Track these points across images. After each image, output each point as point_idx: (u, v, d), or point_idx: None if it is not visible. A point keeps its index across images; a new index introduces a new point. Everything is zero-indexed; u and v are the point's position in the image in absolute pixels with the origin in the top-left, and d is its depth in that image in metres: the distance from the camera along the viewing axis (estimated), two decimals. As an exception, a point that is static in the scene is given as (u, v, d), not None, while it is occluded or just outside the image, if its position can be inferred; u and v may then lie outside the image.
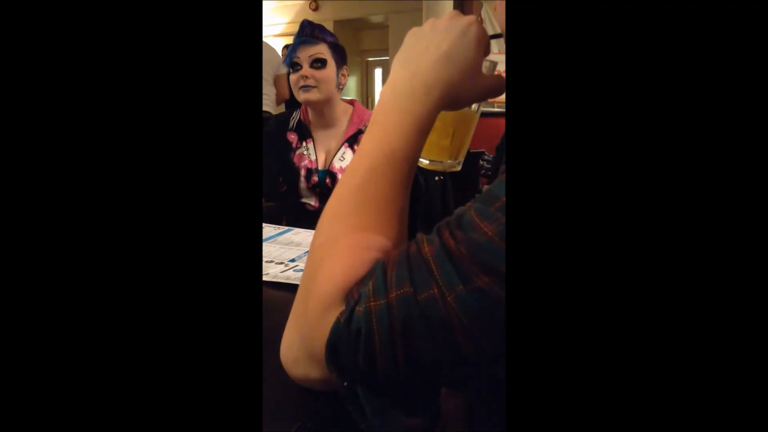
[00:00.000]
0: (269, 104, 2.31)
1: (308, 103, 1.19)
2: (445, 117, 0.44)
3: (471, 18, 0.39)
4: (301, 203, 1.24)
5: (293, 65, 1.16)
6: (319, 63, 1.14)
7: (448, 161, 0.48)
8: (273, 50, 2.39)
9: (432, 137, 0.38)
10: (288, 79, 1.27)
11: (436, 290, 0.28)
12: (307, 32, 1.14)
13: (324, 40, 1.15)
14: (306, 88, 1.15)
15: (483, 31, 0.39)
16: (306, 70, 1.14)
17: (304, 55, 1.14)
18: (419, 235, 0.32)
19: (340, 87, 1.20)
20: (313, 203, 1.23)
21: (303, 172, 1.21)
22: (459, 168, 0.49)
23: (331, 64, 1.16)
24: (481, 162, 1.53)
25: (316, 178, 1.21)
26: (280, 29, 5.28)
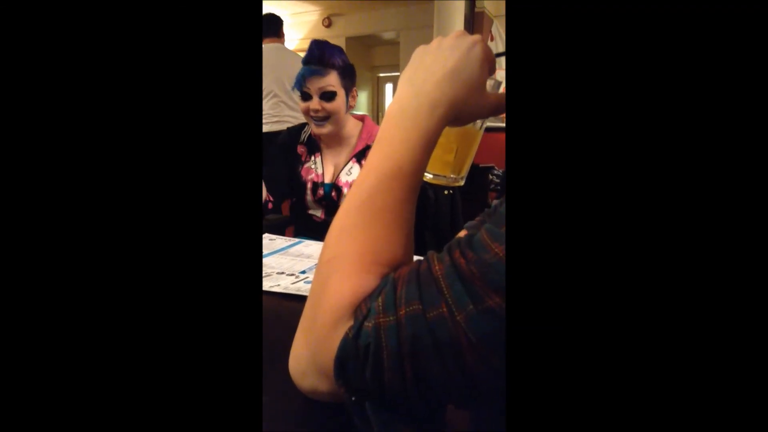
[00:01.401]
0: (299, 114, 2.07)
1: (321, 135, 1.19)
2: (449, 133, 0.44)
3: (476, 37, 0.40)
4: (308, 215, 1.25)
5: (303, 94, 1.15)
6: (329, 95, 1.13)
7: (452, 176, 0.49)
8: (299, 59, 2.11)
9: (436, 152, 0.39)
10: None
11: (445, 309, 0.28)
12: (315, 58, 1.12)
13: (333, 66, 1.13)
14: (318, 122, 1.15)
15: (488, 49, 0.40)
16: (316, 102, 1.13)
17: (314, 86, 1.12)
18: (429, 253, 0.32)
19: (350, 108, 1.21)
20: (319, 215, 1.24)
21: (309, 186, 1.23)
22: (462, 183, 0.50)
23: (341, 93, 1.15)
24: (490, 176, 1.53)
25: (321, 192, 1.22)
26: (294, 45, 5.38)
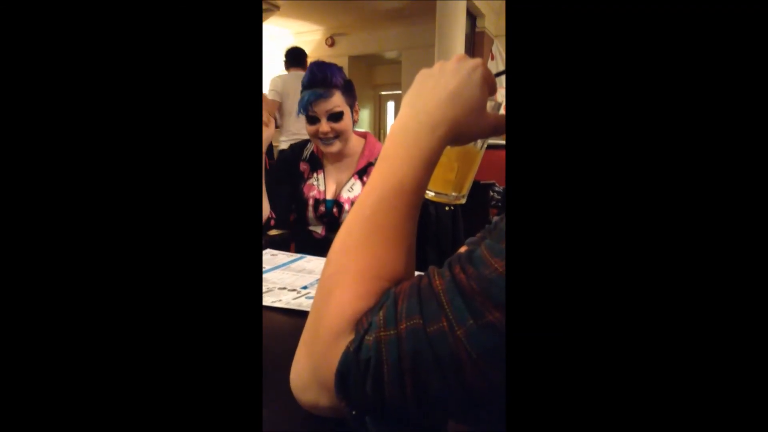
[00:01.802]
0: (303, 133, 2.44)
1: (330, 154, 1.20)
2: (450, 152, 0.46)
3: (477, 60, 0.41)
4: (309, 231, 1.26)
5: (310, 118, 1.15)
6: (336, 116, 1.14)
7: (453, 194, 0.50)
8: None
9: (437, 171, 0.40)
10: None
11: (445, 323, 0.28)
12: (318, 81, 1.11)
13: (336, 86, 1.13)
14: (327, 142, 1.16)
15: (488, 72, 0.42)
16: (324, 125, 1.13)
17: (321, 109, 1.12)
18: (430, 269, 0.33)
19: (355, 122, 1.22)
20: (319, 231, 1.25)
21: (311, 202, 1.23)
22: (463, 201, 0.51)
23: (347, 112, 1.16)
24: (491, 193, 1.54)
25: (323, 209, 1.22)
26: (297, 64, 5.47)
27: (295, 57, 2.88)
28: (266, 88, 2.89)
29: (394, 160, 0.38)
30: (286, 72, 2.89)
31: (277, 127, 2.88)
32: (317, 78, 1.12)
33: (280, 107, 2.78)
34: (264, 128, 1.04)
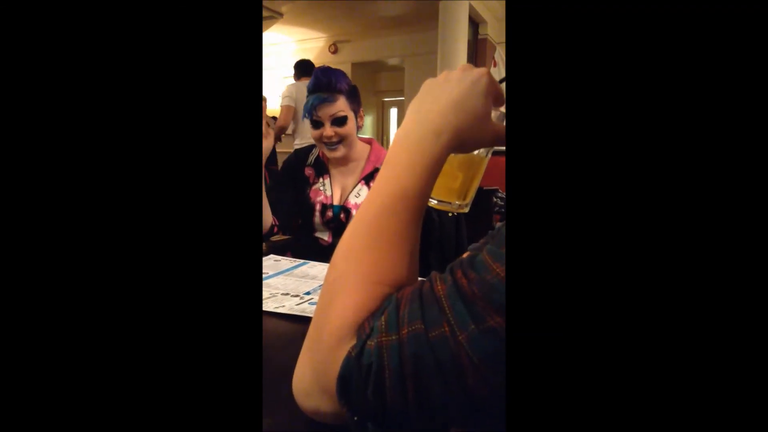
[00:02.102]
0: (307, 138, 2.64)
1: (335, 159, 1.21)
2: (453, 161, 0.46)
3: (482, 70, 0.42)
4: (314, 238, 1.25)
5: (314, 122, 1.17)
6: (340, 120, 1.15)
7: (456, 202, 0.50)
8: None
9: (441, 179, 0.40)
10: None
11: (447, 328, 0.28)
12: (323, 86, 1.13)
13: (341, 91, 1.15)
14: (331, 146, 1.17)
15: (493, 82, 0.42)
16: (328, 129, 1.15)
17: (325, 114, 1.14)
18: (433, 274, 0.33)
19: (359, 128, 1.23)
20: (326, 238, 1.24)
21: (318, 207, 1.23)
22: (467, 209, 0.51)
23: (351, 116, 1.18)
24: (494, 199, 1.54)
25: (330, 214, 1.22)
26: (301, 71, 5.52)
27: (304, 67, 3.14)
28: (277, 96, 3.17)
29: (397, 166, 0.38)
30: (296, 81, 3.21)
31: (286, 135, 3.00)
32: (322, 83, 1.14)
33: (295, 113, 2.99)
34: (263, 140, 1.05)
